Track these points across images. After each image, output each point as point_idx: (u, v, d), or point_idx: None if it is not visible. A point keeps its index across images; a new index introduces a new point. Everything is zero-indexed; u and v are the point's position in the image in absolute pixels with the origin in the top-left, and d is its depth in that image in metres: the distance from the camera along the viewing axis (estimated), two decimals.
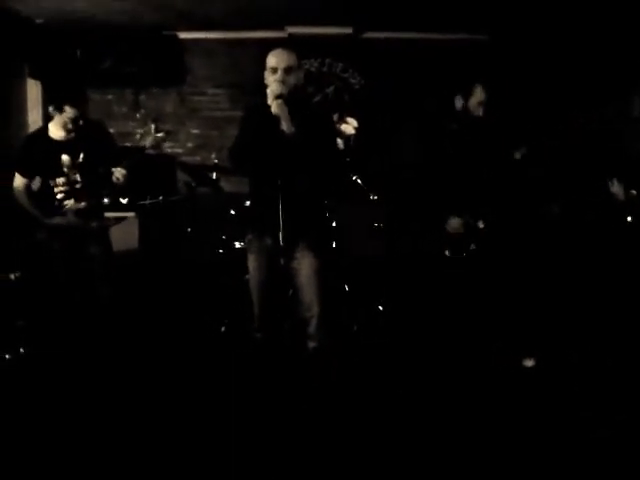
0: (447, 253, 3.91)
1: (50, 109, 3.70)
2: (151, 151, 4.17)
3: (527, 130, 4.20)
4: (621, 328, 3.69)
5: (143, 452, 2.87)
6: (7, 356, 3.79)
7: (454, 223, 3.85)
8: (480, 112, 3.86)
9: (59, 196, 3.70)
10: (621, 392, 3.41)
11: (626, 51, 5.83)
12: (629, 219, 3.65)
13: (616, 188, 3.60)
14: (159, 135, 3.98)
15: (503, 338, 3.99)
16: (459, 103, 3.92)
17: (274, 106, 2.86)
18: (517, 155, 3.87)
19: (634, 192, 3.56)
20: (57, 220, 3.72)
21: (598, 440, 2.94)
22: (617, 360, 3.65)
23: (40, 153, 3.69)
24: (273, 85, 2.91)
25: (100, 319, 3.78)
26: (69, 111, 3.62)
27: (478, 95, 3.86)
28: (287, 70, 2.93)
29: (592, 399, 3.35)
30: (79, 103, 3.66)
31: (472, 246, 3.84)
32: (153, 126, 4.10)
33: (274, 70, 2.94)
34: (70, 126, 3.67)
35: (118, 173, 3.71)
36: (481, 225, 3.84)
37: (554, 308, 3.96)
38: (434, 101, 6.03)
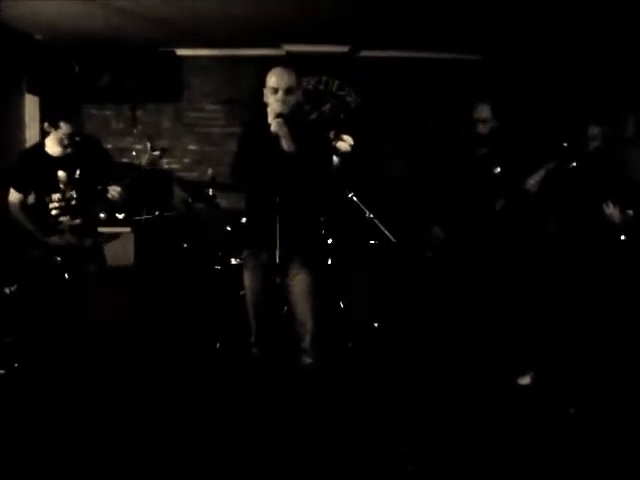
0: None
1: (45, 125, 3.73)
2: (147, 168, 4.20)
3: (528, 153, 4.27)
4: (615, 341, 3.70)
5: (137, 468, 2.85)
6: (1, 371, 3.77)
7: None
8: (485, 130, 4.00)
9: (54, 212, 3.71)
10: (615, 407, 3.42)
11: (619, 71, 5.90)
12: (622, 237, 3.68)
13: (611, 210, 3.63)
14: (155, 153, 4.00)
15: (496, 354, 4.02)
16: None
17: (274, 125, 2.88)
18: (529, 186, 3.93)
19: (630, 212, 3.58)
20: (55, 240, 3.73)
21: (597, 453, 2.96)
22: (610, 373, 3.67)
23: (36, 169, 3.71)
24: (274, 105, 2.94)
25: (95, 335, 3.77)
26: (64, 127, 3.63)
27: (480, 113, 4.00)
28: (288, 91, 2.96)
29: (587, 412, 3.38)
30: (74, 119, 3.67)
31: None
32: (149, 144, 4.12)
33: (275, 90, 2.96)
34: (66, 142, 3.69)
35: (114, 191, 3.71)
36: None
37: (547, 323, 3.98)
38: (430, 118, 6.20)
